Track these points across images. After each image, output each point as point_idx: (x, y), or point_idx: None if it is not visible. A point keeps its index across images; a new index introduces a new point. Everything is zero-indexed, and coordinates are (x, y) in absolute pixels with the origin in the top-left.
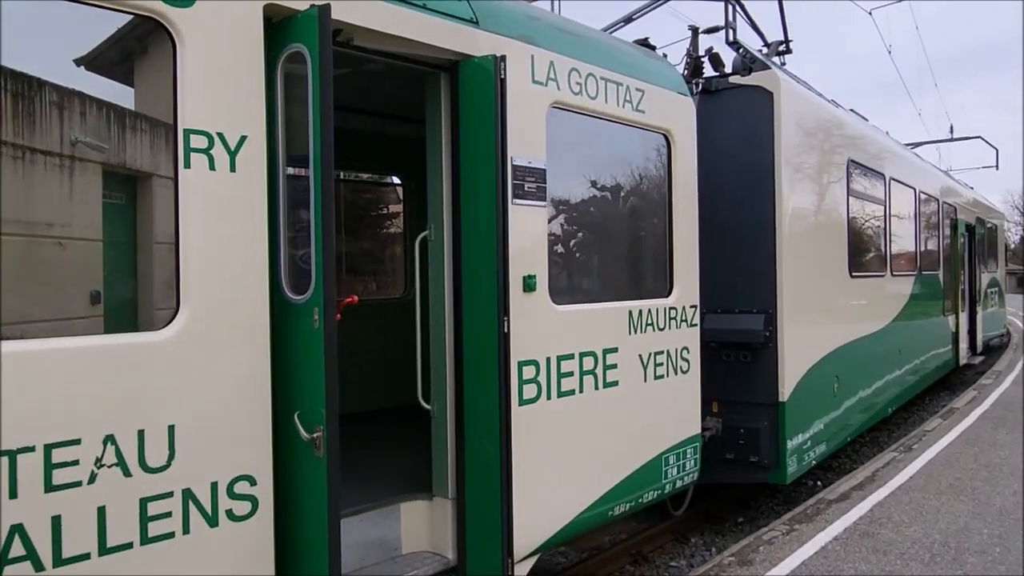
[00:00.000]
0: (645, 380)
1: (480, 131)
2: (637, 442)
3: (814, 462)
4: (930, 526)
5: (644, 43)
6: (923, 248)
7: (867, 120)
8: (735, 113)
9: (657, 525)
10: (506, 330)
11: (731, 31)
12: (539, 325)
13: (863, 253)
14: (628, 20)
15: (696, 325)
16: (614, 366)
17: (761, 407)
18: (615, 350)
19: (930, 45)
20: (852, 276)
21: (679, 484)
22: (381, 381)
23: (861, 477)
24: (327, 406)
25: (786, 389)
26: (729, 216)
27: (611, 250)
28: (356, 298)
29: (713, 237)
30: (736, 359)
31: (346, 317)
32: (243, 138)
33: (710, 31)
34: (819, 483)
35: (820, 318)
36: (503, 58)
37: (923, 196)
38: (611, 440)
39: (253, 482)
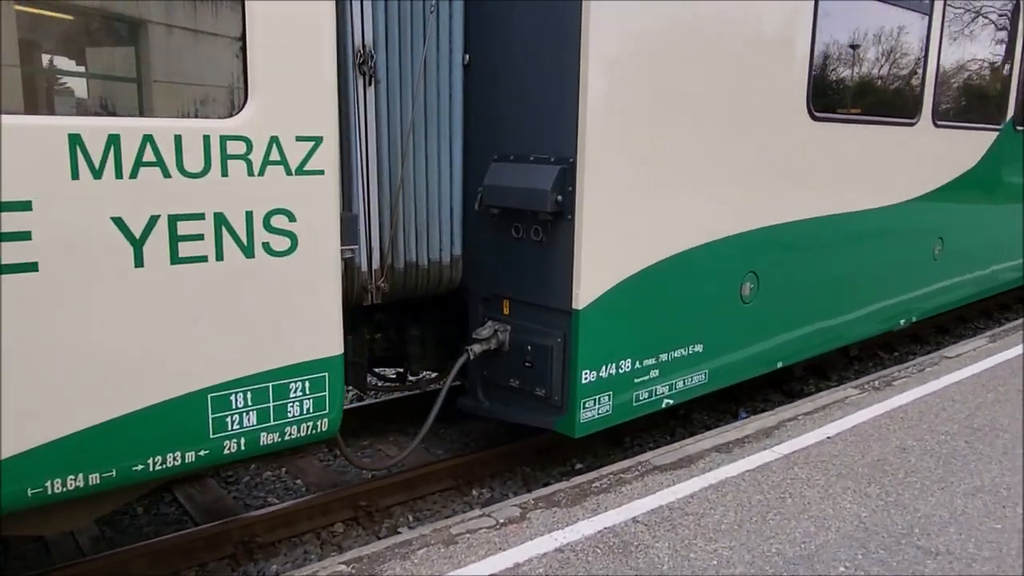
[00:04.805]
0: (142, 264)
1: None
2: (110, 371)
3: (670, 402)
4: (748, 544)
5: None
6: (1020, 90)
7: None
8: None
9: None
10: None
11: None
12: None
13: (855, 86)
14: None
15: (317, 173)
16: (21, 237)
17: (555, 315)
18: (23, 207)
19: None
20: (816, 118)
21: (270, 440)
22: None
23: (754, 428)
24: None
25: (585, 290)
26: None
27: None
28: None
29: (503, 37)
30: (528, 236)
31: None
32: None
33: None
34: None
35: (704, 177)
36: None
37: None
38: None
39: None
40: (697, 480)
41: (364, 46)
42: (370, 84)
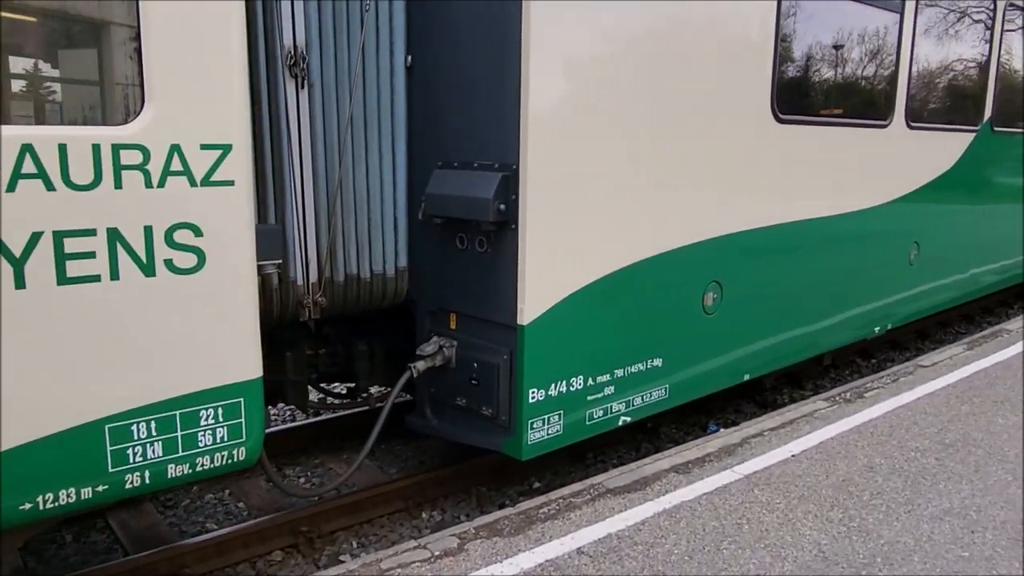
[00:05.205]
0: (23, 285)
1: None
2: None
3: (627, 419)
4: None
5: None
6: (998, 90)
7: None
8: None
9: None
10: None
11: None
12: None
13: (823, 87)
14: None
15: (227, 183)
16: None
17: (501, 330)
18: None
19: None
20: (781, 120)
21: (179, 472)
22: None
23: (716, 445)
24: None
25: (530, 304)
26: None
27: None
28: None
29: (444, 38)
30: (473, 247)
31: None
32: None
33: None
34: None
35: (660, 183)
36: None
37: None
38: None
39: None
40: (651, 505)
41: (295, 47)
42: (303, 87)
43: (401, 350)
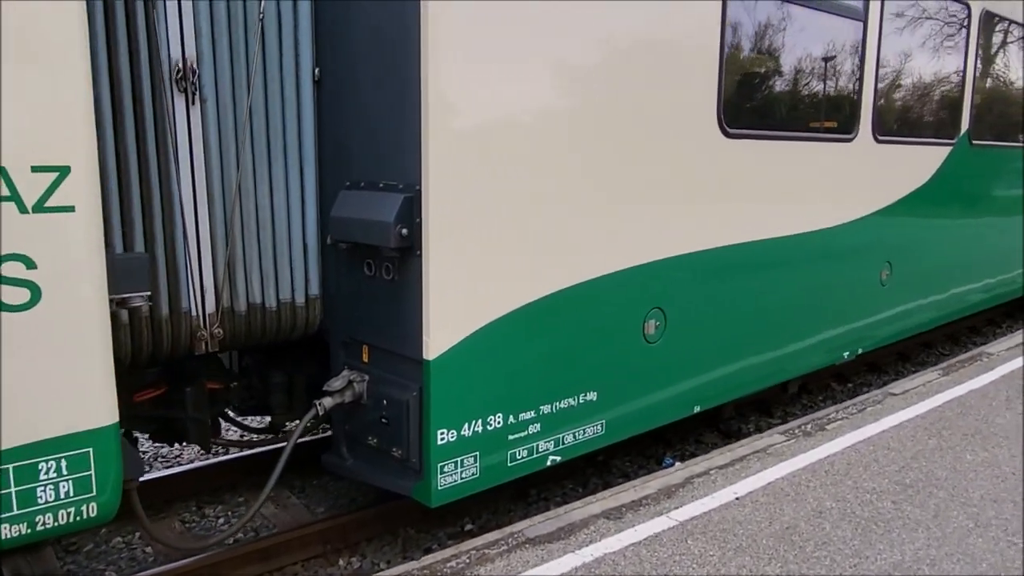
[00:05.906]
0: None
1: None
2: None
3: (556, 459)
4: None
5: None
6: (976, 102)
7: None
8: None
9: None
10: None
11: None
12: None
13: (777, 98)
14: None
15: (65, 209)
16: None
17: (409, 364)
18: None
19: None
20: (729, 135)
21: (16, 532)
22: None
23: (656, 486)
24: None
25: (436, 338)
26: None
27: None
28: None
29: (346, 46)
30: (380, 274)
31: None
32: None
33: None
34: None
35: (588, 202)
36: None
37: (986, 14)
38: None
39: None
40: (571, 557)
41: (184, 59)
42: (193, 103)
43: (323, 382)
